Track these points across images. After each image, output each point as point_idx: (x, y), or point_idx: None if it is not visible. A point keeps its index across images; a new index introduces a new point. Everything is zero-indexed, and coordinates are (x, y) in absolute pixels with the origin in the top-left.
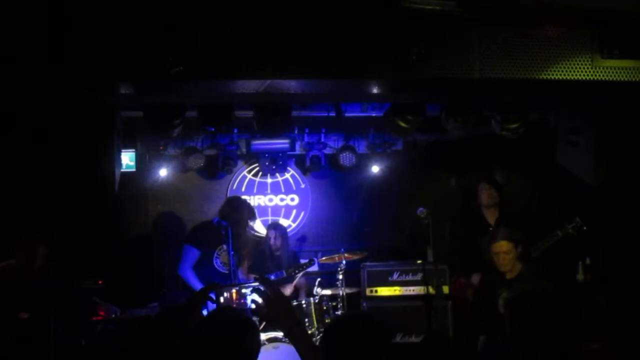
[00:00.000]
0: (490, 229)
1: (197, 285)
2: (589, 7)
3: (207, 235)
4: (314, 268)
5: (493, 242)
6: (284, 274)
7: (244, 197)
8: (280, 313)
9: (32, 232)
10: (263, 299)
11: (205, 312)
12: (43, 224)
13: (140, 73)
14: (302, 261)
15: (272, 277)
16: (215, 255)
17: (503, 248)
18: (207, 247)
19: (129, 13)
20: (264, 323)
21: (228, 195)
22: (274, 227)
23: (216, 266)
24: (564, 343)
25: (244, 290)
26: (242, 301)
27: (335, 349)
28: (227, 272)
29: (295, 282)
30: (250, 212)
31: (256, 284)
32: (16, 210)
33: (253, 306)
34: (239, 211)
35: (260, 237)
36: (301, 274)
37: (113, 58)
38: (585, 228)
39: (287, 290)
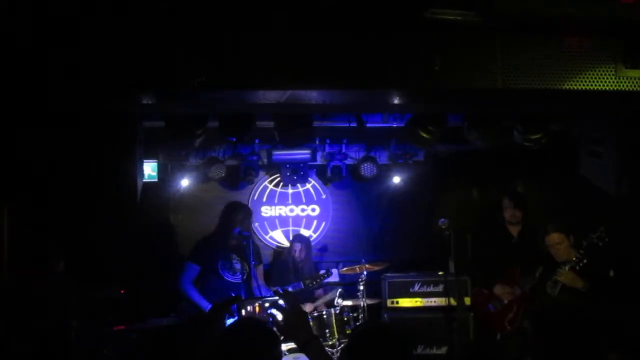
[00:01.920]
0: (513, 240)
1: (198, 298)
2: (613, 17)
3: (206, 249)
4: (334, 278)
5: (546, 235)
6: (302, 285)
7: (265, 206)
8: (296, 327)
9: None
10: (281, 312)
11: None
12: (66, 234)
13: (162, 83)
14: (321, 272)
15: (290, 289)
16: (220, 266)
17: (555, 240)
18: (207, 261)
19: (152, 24)
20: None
21: (249, 205)
22: (299, 239)
23: (226, 277)
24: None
25: (267, 303)
26: (265, 313)
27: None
28: (239, 281)
29: (316, 303)
30: (245, 213)
31: (275, 297)
32: (40, 220)
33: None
34: (234, 213)
35: (283, 248)
36: (320, 288)
37: (135, 68)
38: (607, 239)
39: (307, 308)
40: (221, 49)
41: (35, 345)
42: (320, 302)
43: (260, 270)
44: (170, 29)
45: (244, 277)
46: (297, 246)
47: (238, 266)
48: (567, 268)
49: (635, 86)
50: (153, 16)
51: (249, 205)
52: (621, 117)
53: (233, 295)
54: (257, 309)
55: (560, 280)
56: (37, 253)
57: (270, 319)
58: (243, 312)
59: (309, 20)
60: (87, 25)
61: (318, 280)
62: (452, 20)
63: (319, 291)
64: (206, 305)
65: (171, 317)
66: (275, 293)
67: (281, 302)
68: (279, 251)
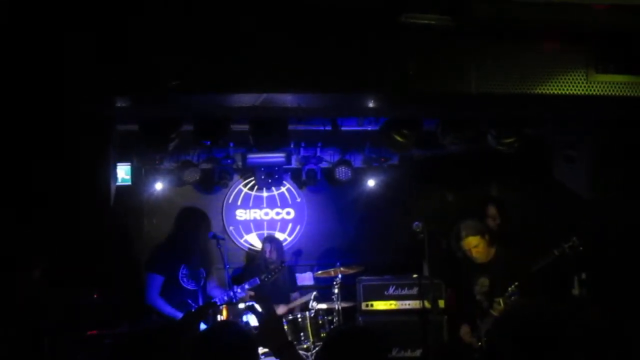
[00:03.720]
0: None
1: (169, 310)
2: (585, 23)
3: (165, 258)
4: (310, 282)
5: (460, 241)
6: (258, 281)
7: (239, 209)
8: (271, 332)
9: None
10: (257, 318)
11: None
12: (38, 238)
13: (136, 86)
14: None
15: (247, 286)
16: (181, 274)
17: (472, 243)
18: (169, 270)
19: (126, 26)
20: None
21: (224, 209)
22: (269, 240)
23: (184, 285)
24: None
25: (240, 306)
26: (238, 318)
27: None
28: (196, 288)
29: (290, 304)
30: (208, 219)
31: (250, 303)
32: (9, 225)
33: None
34: (200, 219)
35: (257, 251)
36: (299, 298)
37: (109, 71)
38: (581, 248)
39: (281, 310)
40: (195, 52)
41: (9, 351)
42: (295, 304)
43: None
44: (144, 32)
45: (201, 284)
46: (267, 247)
47: (202, 273)
48: (501, 303)
49: (606, 91)
50: (127, 18)
51: (224, 208)
52: (593, 121)
53: (191, 302)
54: (224, 313)
55: (494, 314)
56: (12, 258)
57: (243, 322)
58: (218, 317)
59: (284, 25)
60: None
61: (273, 274)
62: (427, 25)
63: (295, 294)
64: (176, 314)
65: (145, 322)
66: (251, 298)
67: (257, 307)
68: (252, 254)
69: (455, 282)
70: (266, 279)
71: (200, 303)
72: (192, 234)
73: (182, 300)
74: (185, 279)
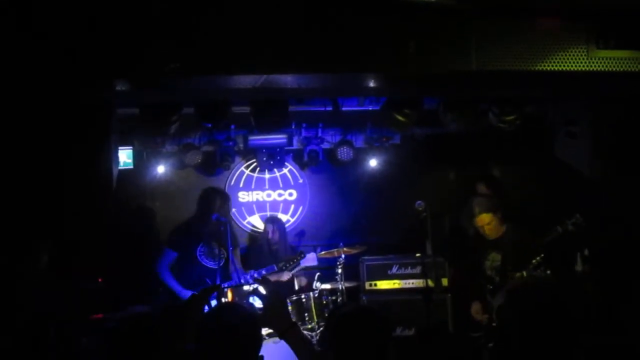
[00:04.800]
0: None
1: (173, 283)
2: None
3: (184, 235)
4: (313, 262)
5: (473, 218)
6: (275, 268)
7: (242, 192)
8: (275, 314)
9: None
10: (261, 300)
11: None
12: (40, 224)
13: (136, 70)
14: (295, 254)
15: (264, 272)
16: (199, 252)
17: (485, 220)
18: (185, 247)
19: (124, 10)
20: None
21: (226, 191)
22: (271, 220)
23: (203, 263)
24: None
25: (245, 288)
26: (244, 301)
27: (340, 342)
28: (216, 267)
29: (293, 270)
30: (223, 199)
31: (255, 285)
32: (12, 211)
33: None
34: (212, 200)
35: (259, 232)
36: (297, 268)
37: (109, 55)
38: (584, 225)
39: (284, 277)
40: (195, 35)
41: (17, 338)
42: (298, 269)
43: (237, 253)
44: (144, 15)
45: (221, 263)
46: (270, 227)
47: (217, 252)
48: (522, 275)
49: (606, 66)
50: (126, 1)
51: (226, 190)
52: (595, 97)
53: (209, 281)
54: (229, 295)
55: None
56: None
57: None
58: (223, 300)
59: (283, 4)
60: (60, 10)
61: (292, 263)
62: (427, 3)
63: (301, 275)
64: (180, 291)
65: (149, 305)
66: (255, 280)
67: (261, 289)
68: (254, 235)
69: (463, 258)
70: (284, 267)
71: (218, 282)
72: (206, 213)
73: (200, 277)
74: (204, 257)
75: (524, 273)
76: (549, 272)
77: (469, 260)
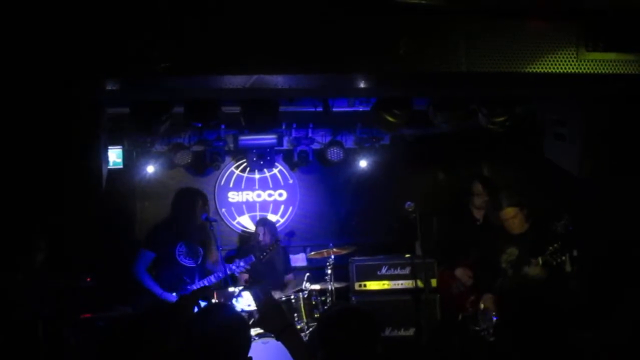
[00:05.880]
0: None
1: (151, 284)
2: (575, 0)
3: (161, 235)
4: (303, 263)
5: (500, 210)
6: (253, 258)
7: (231, 192)
8: (271, 316)
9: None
10: (255, 302)
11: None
12: (29, 223)
13: (126, 69)
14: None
15: (242, 263)
16: (177, 251)
17: (510, 214)
18: (162, 247)
19: (114, 8)
20: (252, 319)
21: (216, 191)
22: (262, 223)
23: (181, 262)
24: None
25: (230, 290)
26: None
27: (329, 342)
28: (194, 265)
29: (285, 290)
30: (205, 199)
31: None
32: (2, 210)
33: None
34: (195, 200)
35: (250, 233)
36: (293, 280)
37: (99, 54)
38: (573, 226)
39: (276, 296)
40: (185, 35)
41: (9, 336)
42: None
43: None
44: (134, 13)
45: (199, 262)
46: (261, 230)
47: (199, 251)
48: (540, 261)
49: (596, 69)
50: (118, 2)
51: (216, 191)
52: (584, 99)
53: (187, 279)
54: (219, 298)
55: (529, 272)
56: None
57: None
58: (213, 301)
59: (273, 4)
60: (49, 8)
61: (268, 251)
62: (417, 4)
63: (289, 276)
64: (159, 292)
65: (137, 305)
66: (247, 282)
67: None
68: (245, 236)
69: (480, 250)
70: (261, 257)
71: (197, 280)
72: (189, 213)
73: (179, 277)
74: (182, 257)
75: (540, 260)
76: (563, 258)
77: (481, 252)
